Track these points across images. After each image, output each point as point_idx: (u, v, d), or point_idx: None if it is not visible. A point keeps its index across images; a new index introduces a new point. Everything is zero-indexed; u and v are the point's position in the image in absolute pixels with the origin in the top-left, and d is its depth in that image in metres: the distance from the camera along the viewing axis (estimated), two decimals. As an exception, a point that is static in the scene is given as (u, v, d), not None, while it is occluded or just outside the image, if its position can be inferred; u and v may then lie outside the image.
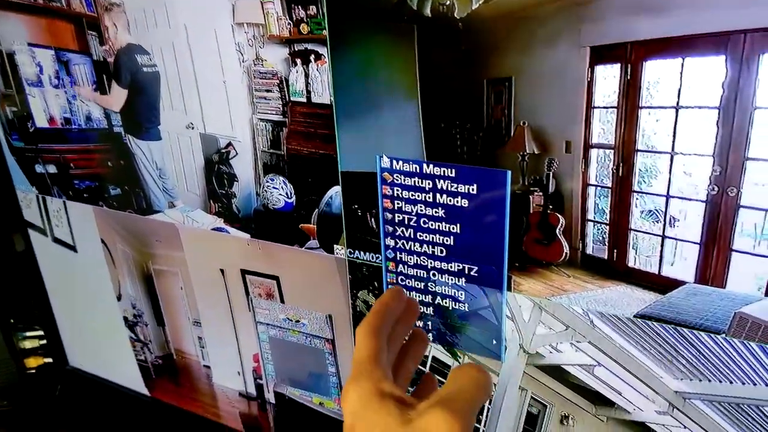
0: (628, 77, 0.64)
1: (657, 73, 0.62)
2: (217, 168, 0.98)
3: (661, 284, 0.69)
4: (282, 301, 1.02)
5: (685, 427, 0.74)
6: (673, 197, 0.65)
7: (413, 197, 0.80)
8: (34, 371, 1.49)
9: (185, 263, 1.11)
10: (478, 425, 0.89)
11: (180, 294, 1.16)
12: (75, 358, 1.46)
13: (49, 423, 1.46)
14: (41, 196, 1.25)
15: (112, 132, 1.07)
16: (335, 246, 0.91)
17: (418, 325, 0.87)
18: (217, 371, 1.20)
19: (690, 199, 0.64)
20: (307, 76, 0.83)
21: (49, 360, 1.48)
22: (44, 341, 1.47)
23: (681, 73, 0.61)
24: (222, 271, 1.07)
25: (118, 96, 1.02)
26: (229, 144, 0.95)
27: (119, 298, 1.26)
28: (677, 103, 0.62)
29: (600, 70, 0.65)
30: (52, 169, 1.20)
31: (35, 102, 1.14)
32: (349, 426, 0.52)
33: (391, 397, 0.51)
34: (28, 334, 1.48)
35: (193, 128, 0.97)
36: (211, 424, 1.25)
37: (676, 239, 0.67)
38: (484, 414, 0.88)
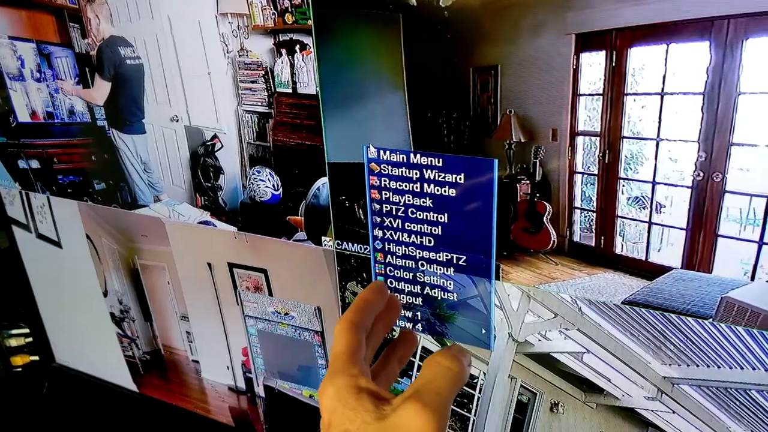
0: (614, 64, 0.64)
1: (642, 59, 0.63)
2: (202, 161, 0.98)
3: (649, 270, 0.70)
4: (270, 294, 1.02)
5: (673, 412, 0.75)
6: (659, 183, 0.66)
7: (401, 187, 0.80)
8: (20, 369, 1.49)
9: (172, 258, 1.11)
10: (468, 414, 0.90)
11: (167, 289, 1.16)
12: (62, 355, 1.46)
13: (36, 421, 1.46)
14: (24, 191, 1.25)
15: (96, 126, 1.07)
16: (323, 238, 0.91)
17: (407, 315, 0.88)
18: (206, 366, 1.20)
19: (676, 185, 0.65)
20: (292, 66, 0.84)
21: (36, 358, 1.48)
22: (30, 339, 1.47)
23: (666, 60, 0.61)
24: (209, 264, 1.07)
25: (101, 89, 1.02)
26: (215, 136, 0.95)
27: (105, 294, 1.26)
28: (662, 89, 0.62)
29: (585, 57, 0.65)
30: (35, 164, 1.19)
31: (17, 96, 1.14)
32: (326, 422, 0.53)
33: (367, 393, 0.52)
34: (14, 331, 1.47)
35: (177, 121, 0.97)
36: (200, 419, 1.25)
37: (662, 225, 0.68)
38: (474, 403, 0.89)
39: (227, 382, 1.18)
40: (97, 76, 1.02)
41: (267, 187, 0.93)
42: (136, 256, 1.17)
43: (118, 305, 1.26)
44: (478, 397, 0.89)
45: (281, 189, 0.92)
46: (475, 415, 0.90)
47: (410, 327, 0.88)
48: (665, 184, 0.66)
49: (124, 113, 1.03)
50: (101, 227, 1.18)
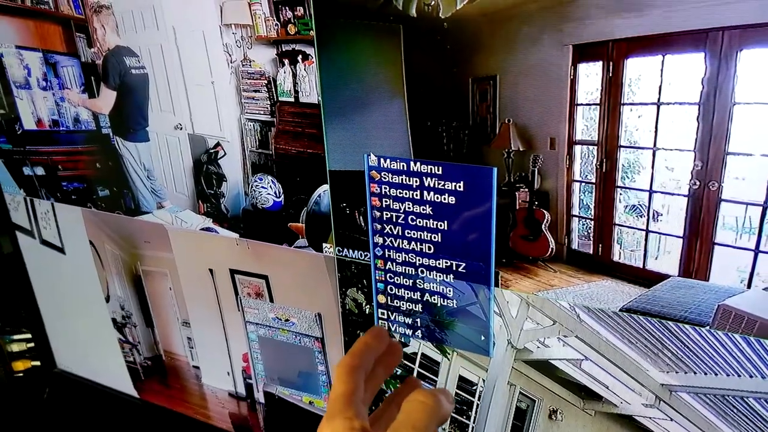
0: (610, 75, 0.65)
1: (638, 70, 0.63)
2: (205, 168, 0.99)
3: (646, 278, 0.71)
4: (271, 300, 1.03)
5: (671, 419, 0.75)
6: (656, 192, 0.67)
7: (401, 195, 0.81)
8: (21, 374, 1.49)
9: (174, 264, 1.12)
10: (467, 421, 0.91)
11: (169, 295, 1.16)
12: (63, 361, 1.46)
13: (37, 426, 1.46)
14: (29, 198, 1.26)
15: (100, 134, 1.08)
16: (324, 244, 0.92)
17: (407, 322, 0.88)
18: (207, 372, 1.20)
19: (672, 194, 0.66)
20: (294, 76, 0.84)
21: (37, 363, 1.48)
22: (32, 344, 1.47)
23: (661, 70, 0.62)
24: (211, 271, 1.07)
25: (106, 98, 1.03)
26: (218, 144, 0.95)
27: (108, 300, 1.27)
28: (658, 100, 0.63)
29: (583, 67, 0.66)
30: (39, 171, 1.20)
31: (23, 104, 1.15)
32: None
33: None
34: (16, 337, 1.48)
35: (181, 129, 0.98)
36: (200, 425, 1.26)
37: (659, 233, 0.68)
38: (474, 410, 0.90)
39: (228, 388, 1.18)
40: (102, 85, 1.02)
41: (269, 194, 0.94)
42: (138, 262, 1.18)
43: (120, 311, 1.26)
44: (477, 404, 0.89)
45: (283, 196, 0.93)
46: (474, 422, 0.90)
47: (410, 333, 0.89)
48: (662, 192, 0.67)
49: (128, 122, 1.04)
50: (104, 233, 1.19)
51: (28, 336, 1.47)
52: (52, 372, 1.47)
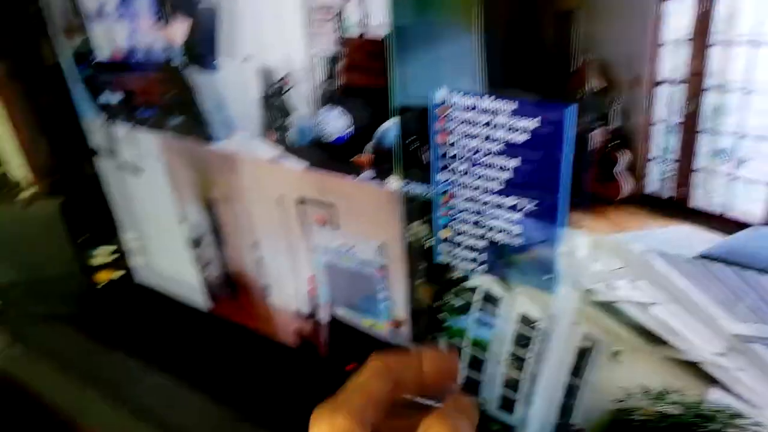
0: (702, 9, 0.56)
1: (733, 4, 0.54)
2: (273, 100, 0.94)
3: (727, 225, 0.63)
4: (336, 228, 0.99)
5: (742, 370, 0.69)
6: (744, 136, 0.59)
7: (469, 131, 0.74)
8: (103, 285, 1.51)
9: (244, 191, 1.09)
10: (522, 357, 0.85)
11: (239, 219, 1.15)
12: (142, 274, 1.48)
13: (117, 334, 1.47)
14: (107, 123, 1.24)
15: (172, 64, 1.04)
16: (389, 178, 0.86)
17: (472, 257, 0.83)
18: (274, 291, 1.19)
19: (763, 138, 0.58)
20: (363, 9, 0.77)
21: (117, 275, 1.49)
22: (112, 257, 1.48)
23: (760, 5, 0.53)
24: (279, 198, 1.04)
25: (179, 28, 0.99)
26: (285, 77, 0.90)
27: (183, 221, 1.25)
28: (755, 38, 0.54)
29: (671, 1, 0.57)
30: (116, 98, 1.18)
31: (97, 34, 1.12)
32: None
33: None
34: (98, 251, 1.49)
35: (250, 61, 0.93)
36: (266, 341, 1.26)
37: (744, 180, 0.60)
38: (535, 345, 0.84)
39: (293, 307, 1.17)
40: (175, 15, 0.98)
41: (335, 127, 0.88)
42: (210, 187, 1.15)
43: (194, 231, 1.25)
44: (538, 341, 0.84)
45: (349, 130, 0.87)
46: (534, 358, 0.85)
47: (473, 269, 0.83)
48: (751, 137, 0.58)
49: (199, 52, 1.00)
50: (178, 159, 1.16)
51: (110, 250, 1.47)
52: (132, 284, 1.49)
